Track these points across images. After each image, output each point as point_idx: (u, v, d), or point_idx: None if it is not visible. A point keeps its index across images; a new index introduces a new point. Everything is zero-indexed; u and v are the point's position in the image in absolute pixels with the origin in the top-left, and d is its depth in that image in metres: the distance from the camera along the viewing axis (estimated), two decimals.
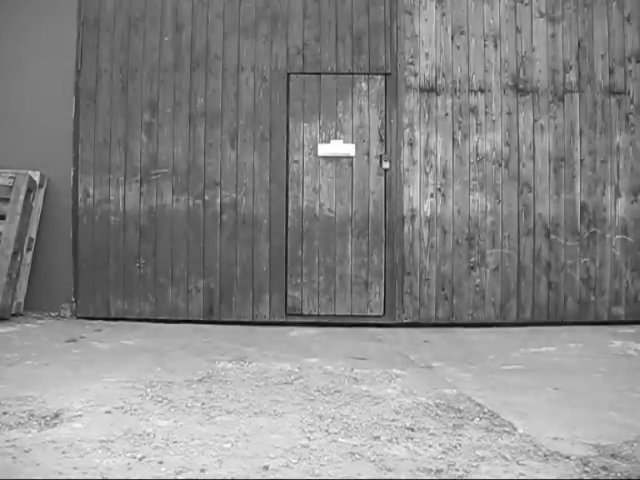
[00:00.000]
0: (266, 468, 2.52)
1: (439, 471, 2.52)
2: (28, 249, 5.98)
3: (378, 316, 5.96)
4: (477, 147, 5.95)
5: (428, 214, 5.94)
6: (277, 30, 6.03)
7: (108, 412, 3.21)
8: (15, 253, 5.72)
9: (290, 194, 6.01)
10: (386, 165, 5.97)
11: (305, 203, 6.01)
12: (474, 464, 2.59)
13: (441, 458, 2.66)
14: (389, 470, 2.53)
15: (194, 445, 2.76)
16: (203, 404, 3.38)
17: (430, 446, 2.80)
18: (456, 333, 5.58)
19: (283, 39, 6.03)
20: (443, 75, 5.98)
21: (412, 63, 5.99)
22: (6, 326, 5.47)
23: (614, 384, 3.89)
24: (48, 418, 3.08)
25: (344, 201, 6.00)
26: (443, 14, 6.00)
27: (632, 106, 5.96)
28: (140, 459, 2.59)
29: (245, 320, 5.92)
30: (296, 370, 4.16)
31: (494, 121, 5.96)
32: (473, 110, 5.97)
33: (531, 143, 5.94)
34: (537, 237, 5.92)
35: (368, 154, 6.01)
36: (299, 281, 5.97)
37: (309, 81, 6.03)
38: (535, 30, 5.99)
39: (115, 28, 6.03)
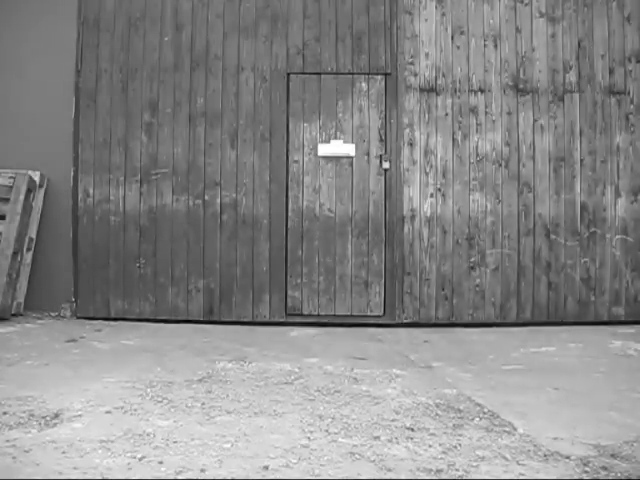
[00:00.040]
0: (266, 468, 2.52)
1: (439, 471, 2.52)
2: (28, 249, 5.98)
3: (378, 316, 5.96)
4: (477, 147, 5.95)
5: (428, 214, 5.94)
6: (277, 30, 6.03)
7: (108, 412, 3.21)
8: (15, 253, 5.72)
9: (290, 194, 6.01)
10: (386, 165, 5.97)
11: (305, 203, 6.01)
12: (474, 464, 2.59)
13: (441, 458, 2.66)
14: (389, 470, 2.53)
15: (194, 445, 2.76)
16: (203, 404, 3.38)
17: (430, 446, 2.80)
18: (456, 333, 5.58)
19: (283, 39, 6.03)
20: (443, 75, 5.98)
21: (412, 63, 5.99)
22: (6, 326, 5.47)
23: (614, 384, 3.89)
24: (48, 418, 3.08)
25: (344, 201, 6.00)
26: (443, 14, 6.00)
27: (632, 106, 5.96)
28: (140, 459, 2.59)
29: (245, 320, 5.92)
30: (296, 370, 4.16)
31: (494, 121, 5.96)
32: (473, 110, 5.97)
33: (531, 143, 5.94)
34: (537, 237, 5.92)
35: (368, 154, 6.01)
36: (299, 281, 5.97)
37: (309, 81, 6.03)
38: (535, 30, 6.00)
39: (115, 28, 6.03)
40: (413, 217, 5.94)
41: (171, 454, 2.65)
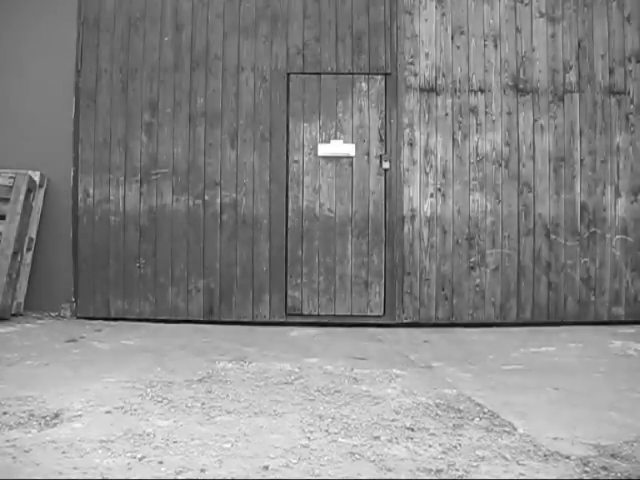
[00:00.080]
0: (266, 468, 2.52)
1: (439, 471, 2.52)
2: (28, 249, 5.98)
3: (378, 316, 5.96)
4: (477, 147, 5.95)
5: (428, 214, 5.94)
6: (277, 30, 6.03)
7: (108, 412, 3.21)
8: (15, 253, 5.72)
9: (290, 194, 6.01)
10: (386, 165, 5.97)
11: (305, 203, 6.01)
12: (474, 464, 2.59)
13: (441, 458, 2.66)
14: (389, 470, 2.53)
15: (194, 445, 2.76)
16: (203, 404, 3.38)
17: (430, 446, 2.80)
18: (456, 333, 5.58)
19: (283, 39, 6.03)
20: (443, 75, 5.98)
21: (412, 63, 5.99)
22: (6, 326, 5.47)
23: (614, 384, 3.89)
24: (48, 418, 3.08)
25: (344, 201, 6.00)
26: (443, 14, 6.00)
27: (632, 106, 5.96)
28: (140, 459, 2.59)
29: (245, 320, 5.92)
30: (296, 370, 4.16)
31: (494, 121, 5.96)
32: (473, 110, 5.97)
33: (531, 143, 5.94)
34: (537, 237, 5.92)
35: (368, 154, 6.01)
36: (299, 281, 5.97)
37: (309, 81, 6.03)
38: (535, 30, 5.99)
39: (115, 28, 6.03)
40: (413, 217, 5.94)
41: (171, 454, 2.65)
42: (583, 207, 5.94)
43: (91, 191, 5.99)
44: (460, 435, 2.95)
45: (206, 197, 5.98)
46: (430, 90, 5.98)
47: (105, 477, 2.42)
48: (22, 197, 5.78)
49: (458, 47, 5.99)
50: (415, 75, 5.98)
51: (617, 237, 5.92)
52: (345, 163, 6.01)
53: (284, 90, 6.01)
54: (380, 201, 5.99)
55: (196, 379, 3.90)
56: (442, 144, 5.96)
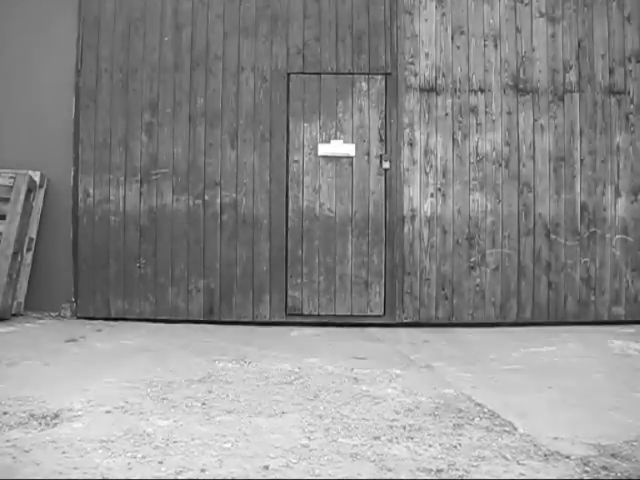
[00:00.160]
0: (266, 468, 2.52)
1: (439, 471, 2.52)
2: (28, 249, 5.98)
3: (378, 316, 5.96)
4: (477, 147, 5.95)
5: (428, 214, 5.94)
6: (277, 30, 6.03)
7: (108, 412, 3.21)
8: (15, 253, 5.72)
9: (290, 194, 6.01)
10: (386, 165, 5.97)
11: (305, 203, 6.01)
12: (474, 464, 2.59)
13: (441, 458, 2.66)
14: (389, 470, 2.53)
15: (194, 445, 2.76)
16: (203, 404, 3.38)
17: (430, 446, 2.80)
18: (456, 333, 5.58)
19: (283, 39, 6.02)
20: (443, 75, 5.98)
21: (412, 63, 5.99)
22: (6, 326, 5.47)
23: (614, 384, 3.89)
24: (48, 418, 3.08)
25: (344, 201, 6.00)
26: (443, 14, 6.00)
27: (632, 106, 5.96)
28: (140, 459, 2.59)
29: (245, 320, 5.92)
30: (296, 370, 4.16)
31: (494, 121, 5.96)
32: (473, 110, 5.97)
33: (531, 143, 5.94)
34: (537, 237, 5.92)
35: (368, 154, 6.01)
36: (299, 281, 5.97)
37: (309, 81, 6.03)
38: (535, 30, 5.99)
39: (115, 28, 6.03)
40: (413, 217, 5.94)
41: (171, 454, 2.65)
42: (583, 207, 5.94)
43: (91, 191, 5.99)
44: (460, 435, 2.94)
45: (206, 197, 5.98)
46: (430, 90, 5.98)
47: (105, 477, 2.42)
48: (22, 197, 5.78)
49: (458, 47, 5.99)
50: (415, 75, 5.98)
51: (617, 237, 5.92)
52: (345, 163, 6.01)
53: (284, 90, 6.01)
54: (380, 201, 5.99)
55: (196, 379, 3.90)
56: (442, 144, 5.96)
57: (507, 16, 6.00)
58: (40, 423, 3.01)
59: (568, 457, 2.67)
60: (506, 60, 5.98)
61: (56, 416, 3.11)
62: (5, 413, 3.15)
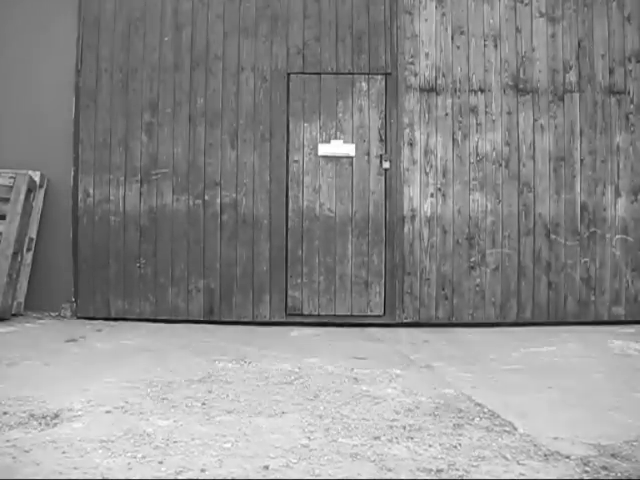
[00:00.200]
0: (266, 468, 2.52)
1: (439, 471, 2.52)
2: (28, 249, 5.98)
3: (378, 316, 5.96)
4: (477, 147, 5.95)
5: (428, 214, 5.94)
6: (277, 30, 6.03)
7: (108, 412, 3.21)
8: (15, 253, 5.72)
9: (290, 194, 6.01)
10: (386, 165, 5.97)
11: (305, 203, 6.01)
12: (474, 464, 2.59)
13: (441, 458, 2.66)
14: (389, 470, 2.53)
15: (194, 445, 2.76)
16: (203, 404, 3.38)
17: (430, 446, 2.80)
18: (456, 333, 5.58)
19: (283, 39, 6.02)
20: (443, 75, 5.98)
21: (412, 63, 5.99)
22: (6, 326, 5.47)
23: (614, 384, 3.89)
24: (48, 418, 3.08)
25: (344, 201, 6.00)
26: (443, 14, 6.00)
27: (632, 106, 5.96)
28: (140, 459, 2.59)
29: (245, 320, 5.92)
30: (296, 370, 4.16)
31: (494, 121, 5.96)
32: (473, 110, 5.97)
33: (531, 143, 5.94)
34: (537, 237, 5.92)
35: (368, 154, 6.01)
36: (299, 281, 5.97)
37: (309, 81, 6.03)
38: (535, 30, 5.99)
39: (115, 28, 6.03)
40: (413, 217, 5.94)
41: (171, 454, 2.65)
42: (583, 207, 5.94)
43: (91, 191, 5.99)
44: (460, 435, 2.94)
45: (206, 197, 5.98)
46: (430, 90, 5.98)
47: (105, 477, 2.42)
48: (22, 197, 5.78)
49: (458, 47, 5.99)
50: (415, 75, 5.98)
51: (617, 237, 5.92)
52: (345, 163, 6.01)
53: (284, 90, 6.01)
54: (380, 201, 5.99)
55: (196, 379, 3.90)
56: (442, 144, 5.96)
57: (507, 16, 6.00)
58: (40, 423, 3.01)
59: (568, 457, 2.67)
60: (506, 60, 5.98)
61: (56, 416, 3.12)
62: (5, 413, 3.15)
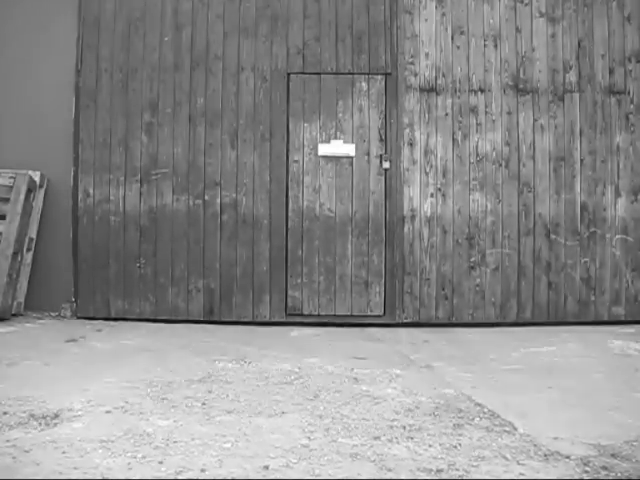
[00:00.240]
0: (266, 468, 2.52)
1: (439, 471, 2.52)
2: (28, 249, 5.98)
3: (378, 316, 5.96)
4: (477, 147, 5.95)
5: (428, 214, 5.94)
6: (277, 30, 6.03)
7: (108, 412, 3.21)
8: (15, 253, 5.72)
9: (290, 194, 6.01)
10: (386, 165, 5.97)
11: (305, 203, 6.01)
12: (474, 464, 2.59)
13: (441, 458, 2.66)
14: (389, 470, 2.53)
15: (194, 445, 2.76)
16: (203, 404, 3.38)
17: (430, 446, 2.80)
18: (456, 333, 5.58)
19: (283, 39, 6.02)
20: (443, 75, 5.98)
21: (412, 63, 5.99)
22: (6, 326, 5.47)
23: (614, 384, 3.89)
24: (48, 418, 3.08)
25: (344, 201, 6.00)
26: (443, 14, 6.00)
27: (632, 106, 5.96)
28: (140, 459, 2.59)
29: (245, 320, 5.92)
30: (296, 370, 4.16)
31: (494, 121, 5.96)
32: (473, 110, 5.97)
33: (531, 143, 5.94)
34: (537, 237, 5.92)
35: (368, 154, 6.01)
36: (299, 281, 5.97)
37: (309, 81, 6.03)
38: (535, 30, 5.99)
39: (115, 28, 6.03)
40: (413, 217, 5.94)
41: (171, 454, 2.65)
42: (583, 207, 5.94)
43: (91, 191, 5.99)
44: (460, 435, 2.95)
45: (206, 197, 5.98)
46: (430, 90, 5.98)
47: (105, 477, 2.42)
48: (22, 197, 5.78)
49: (458, 47, 5.99)
50: (415, 75, 5.98)
51: (617, 237, 5.92)
52: (345, 163, 6.01)
53: (284, 90, 6.01)
54: (380, 201, 5.99)
55: (196, 379, 3.90)
56: (442, 144, 5.96)
57: (507, 16, 6.00)
58: (40, 423, 3.01)
59: (568, 457, 2.67)
60: (506, 60, 5.98)
61: (56, 416, 3.12)
62: (5, 413, 3.15)
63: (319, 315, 5.97)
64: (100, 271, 5.95)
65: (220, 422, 3.09)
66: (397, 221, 5.95)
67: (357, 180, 6.00)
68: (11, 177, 5.83)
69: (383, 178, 6.00)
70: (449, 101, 5.98)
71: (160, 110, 6.00)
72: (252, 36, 6.02)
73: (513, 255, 5.91)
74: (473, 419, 3.18)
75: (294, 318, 5.94)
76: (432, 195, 5.95)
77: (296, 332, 5.61)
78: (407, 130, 5.96)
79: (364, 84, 6.02)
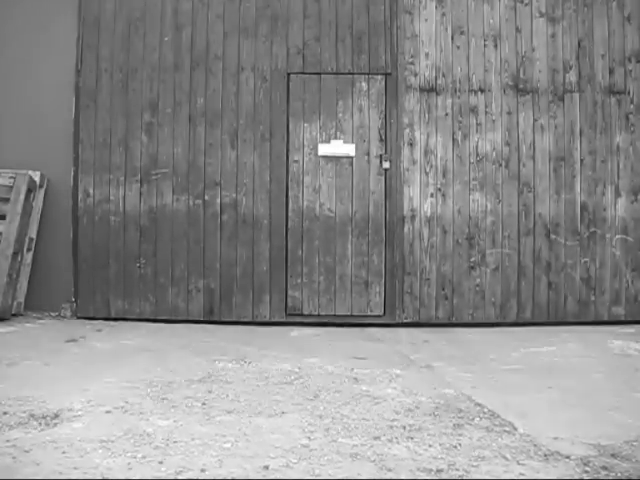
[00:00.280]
0: (266, 468, 2.52)
1: (439, 471, 2.52)
2: (28, 249, 5.98)
3: (378, 316, 5.96)
4: (477, 147, 5.95)
5: (428, 214, 5.94)
6: (277, 30, 6.03)
7: (108, 412, 3.21)
8: (15, 253, 5.72)
9: (290, 194, 6.01)
10: (386, 165, 5.97)
11: (305, 203, 6.01)
12: (474, 464, 2.59)
13: (441, 458, 2.66)
14: (389, 470, 2.53)
15: (194, 445, 2.76)
16: (203, 404, 3.38)
17: (430, 446, 2.80)
18: (456, 333, 5.58)
19: (283, 39, 6.02)
20: (443, 75, 5.98)
21: (412, 63, 5.99)
22: (6, 326, 5.47)
23: (614, 384, 3.89)
24: (48, 418, 3.08)
25: (344, 201, 6.00)
26: (443, 14, 6.00)
27: (632, 106, 5.96)
28: (140, 459, 2.59)
29: (245, 320, 5.92)
30: (296, 370, 4.16)
31: (494, 121, 5.96)
32: (473, 110, 5.97)
33: (531, 143, 5.94)
34: (537, 237, 5.92)
35: (368, 154, 6.01)
36: (299, 281, 5.97)
37: (309, 81, 6.03)
38: (535, 30, 5.99)
39: (115, 28, 6.03)
40: (413, 217, 5.94)
41: (171, 454, 2.65)
42: (583, 207, 5.94)
43: (91, 191, 5.99)
44: (460, 435, 2.94)
45: (206, 197, 5.98)
46: (430, 90, 5.98)
47: (105, 477, 2.42)
48: (22, 197, 5.78)
49: (458, 47, 5.99)
50: (415, 75, 5.98)
51: (617, 237, 5.92)
52: (345, 163, 6.01)
53: (284, 90, 6.01)
54: (380, 201, 5.99)
55: (196, 379, 3.90)
56: (442, 144, 5.96)
57: (507, 16, 6.00)
58: (40, 423, 3.01)
59: (568, 457, 2.67)
60: (506, 60, 5.98)
61: (56, 416, 3.12)
62: (5, 413, 3.15)
63: (319, 315, 5.97)
64: (100, 271, 5.95)
65: (220, 422, 3.09)
66: (397, 221, 5.95)
67: (357, 180, 6.00)
68: (11, 177, 5.83)
69: (383, 178, 6.00)
70: (449, 101, 5.98)
71: (160, 110, 6.00)
72: (252, 36, 6.02)
73: (513, 255, 5.91)
74: (473, 419, 3.18)
75: (294, 318, 5.94)
76: (432, 195, 5.95)
77: (296, 332, 5.61)
78: (407, 130, 5.96)
79: (364, 84, 6.02)
